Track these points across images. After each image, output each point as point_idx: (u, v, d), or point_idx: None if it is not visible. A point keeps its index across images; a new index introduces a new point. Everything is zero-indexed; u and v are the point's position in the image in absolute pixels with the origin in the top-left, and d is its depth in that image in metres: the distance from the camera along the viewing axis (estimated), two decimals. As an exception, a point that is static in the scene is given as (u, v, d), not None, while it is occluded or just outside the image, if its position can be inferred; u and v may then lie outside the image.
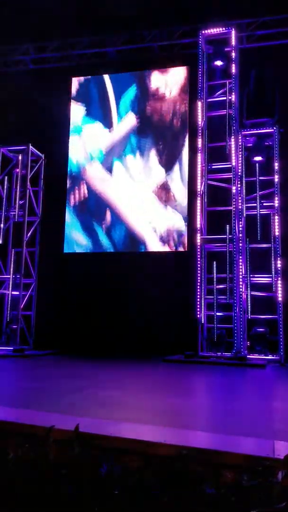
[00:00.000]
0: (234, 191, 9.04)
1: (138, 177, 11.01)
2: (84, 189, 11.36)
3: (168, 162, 10.91)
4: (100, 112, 11.58)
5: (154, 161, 10.92)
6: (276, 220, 9.03)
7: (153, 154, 10.94)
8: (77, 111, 11.81)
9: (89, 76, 11.83)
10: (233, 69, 9.43)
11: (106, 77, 11.60)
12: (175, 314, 9.88)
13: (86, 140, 11.57)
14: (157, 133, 11.10)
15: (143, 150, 11.03)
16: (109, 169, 11.21)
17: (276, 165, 9.20)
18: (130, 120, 11.24)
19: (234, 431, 3.02)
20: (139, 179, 11.00)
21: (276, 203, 9.08)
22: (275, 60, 10.08)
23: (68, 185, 11.53)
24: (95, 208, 11.27)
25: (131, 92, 11.37)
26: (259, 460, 2.14)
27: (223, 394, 5.23)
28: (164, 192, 10.79)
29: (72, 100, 11.85)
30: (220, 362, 8.34)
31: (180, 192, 10.68)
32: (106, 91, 11.56)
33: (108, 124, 11.45)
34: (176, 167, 10.79)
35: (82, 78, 11.89)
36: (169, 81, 11.28)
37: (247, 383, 6.41)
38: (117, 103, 11.42)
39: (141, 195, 10.93)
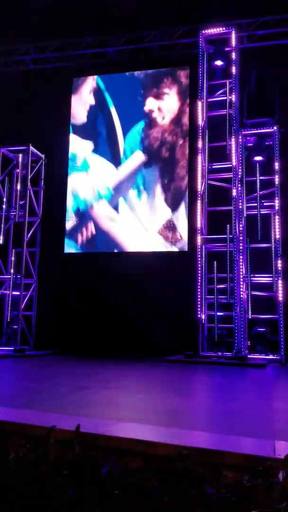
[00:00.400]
0: (234, 191, 9.04)
1: (144, 216, 10.85)
2: (91, 227, 11.22)
3: (173, 200, 10.75)
4: (107, 149, 11.38)
5: (160, 200, 10.78)
6: (277, 220, 9.03)
7: (159, 193, 10.79)
8: (84, 147, 11.57)
9: (95, 104, 11.61)
10: (233, 69, 9.43)
11: (114, 112, 11.37)
12: (175, 314, 9.87)
13: (94, 178, 11.38)
14: (163, 171, 10.92)
15: (149, 189, 10.88)
16: (116, 207, 11.06)
17: (277, 165, 9.20)
18: (138, 158, 11.07)
19: (235, 431, 3.01)
20: (146, 218, 10.85)
21: (277, 203, 9.07)
22: (275, 60, 10.07)
23: (75, 223, 11.33)
24: (102, 246, 11.16)
25: (139, 127, 11.19)
26: (260, 460, 2.14)
27: (223, 394, 5.23)
28: (171, 233, 10.66)
29: (79, 136, 11.65)
30: (220, 362, 8.33)
31: (186, 231, 10.51)
32: (114, 127, 11.34)
33: (115, 161, 11.26)
34: (182, 206, 10.64)
35: (88, 106, 11.65)
36: (166, 110, 11.14)
37: (247, 383, 6.41)
38: (125, 140, 11.24)
39: (148, 235, 10.79)
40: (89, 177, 11.41)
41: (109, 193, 11.17)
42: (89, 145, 11.52)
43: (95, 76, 11.77)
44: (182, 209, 10.66)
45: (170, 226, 10.67)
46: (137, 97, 11.41)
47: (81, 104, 11.80)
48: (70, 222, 11.39)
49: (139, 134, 11.20)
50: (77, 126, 11.75)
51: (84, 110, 11.74)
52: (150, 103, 11.29)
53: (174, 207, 10.74)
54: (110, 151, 11.36)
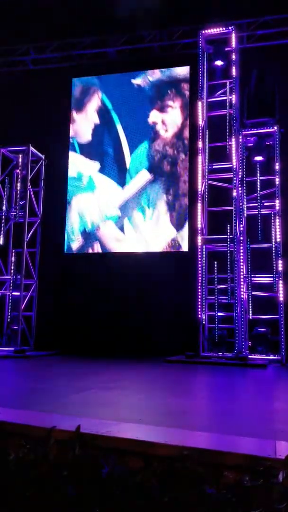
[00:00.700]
0: (234, 191, 9.04)
1: (149, 234, 10.77)
2: (97, 248, 11.12)
3: (178, 219, 10.63)
4: (114, 168, 11.23)
5: (165, 219, 10.67)
6: (277, 221, 9.02)
7: (163, 212, 10.67)
8: (89, 166, 11.44)
9: (101, 122, 11.49)
10: (233, 70, 9.42)
11: (120, 129, 11.28)
12: (176, 314, 9.87)
13: (100, 198, 11.22)
14: (167, 188, 10.81)
15: (153, 207, 10.76)
16: (122, 228, 10.94)
17: (277, 165, 9.19)
18: (144, 177, 10.95)
19: (235, 431, 3.01)
20: (150, 237, 10.77)
21: (277, 203, 9.07)
22: (275, 59, 10.07)
23: (81, 243, 11.23)
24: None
25: (145, 145, 11.07)
26: (260, 460, 2.13)
27: (224, 394, 5.22)
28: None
29: (84, 156, 11.52)
30: (221, 362, 8.33)
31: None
32: (121, 146, 11.20)
33: (122, 181, 11.15)
34: (187, 226, 10.53)
35: (93, 125, 11.52)
36: (169, 124, 11.03)
37: (248, 383, 6.41)
38: (131, 159, 11.13)
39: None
40: (96, 198, 11.27)
41: (115, 213, 11.05)
42: (95, 164, 11.38)
43: (100, 93, 11.64)
44: (187, 228, 10.54)
45: (175, 246, 10.60)
46: (143, 113, 11.25)
47: (86, 123, 11.68)
48: (76, 242, 11.30)
49: (145, 152, 11.08)
50: (82, 144, 11.62)
51: (89, 128, 11.61)
52: (154, 116, 11.20)
53: (179, 226, 10.63)
54: (116, 170, 11.22)
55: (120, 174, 11.22)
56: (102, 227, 11.12)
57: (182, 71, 11.16)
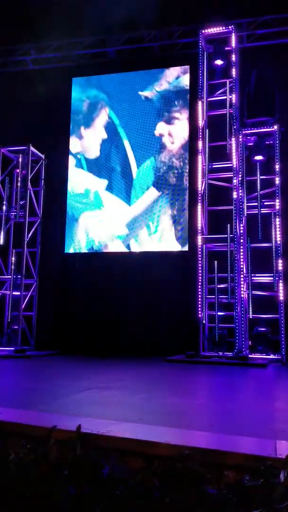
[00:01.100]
0: (234, 190, 9.03)
1: (154, 250, 10.72)
2: None
3: (183, 235, 10.55)
4: (121, 186, 11.15)
5: (170, 234, 10.61)
6: (277, 220, 9.01)
7: (168, 227, 10.62)
8: (98, 184, 11.32)
9: (107, 137, 11.40)
10: (233, 69, 9.41)
11: (127, 145, 11.20)
12: (176, 313, 9.87)
13: (108, 217, 11.13)
14: (172, 202, 10.74)
15: (158, 223, 10.70)
16: (128, 246, 10.87)
17: (277, 165, 9.18)
18: (151, 195, 10.86)
19: (236, 431, 3.01)
20: (155, 250, 10.74)
21: (277, 203, 9.06)
22: (275, 59, 10.07)
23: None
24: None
25: (152, 162, 11.00)
26: (261, 460, 2.13)
27: (224, 394, 5.22)
28: None
29: (93, 174, 11.42)
30: (221, 361, 8.33)
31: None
32: (128, 163, 11.13)
33: (129, 198, 11.04)
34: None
35: (100, 140, 11.45)
36: (175, 136, 10.97)
37: (248, 383, 6.40)
38: (138, 176, 11.06)
39: None
40: (103, 216, 11.19)
41: (123, 232, 10.97)
42: (102, 182, 11.29)
43: (107, 109, 11.56)
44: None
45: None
46: (149, 126, 11.16)
47: (94, 138, 11.58)
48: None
49: (151, 166, 11.00)
50: (89, 160, 11.52)
51: (97, 144, 11.51)
52: (161, 128, 11.11)
53: (183, 241, 10.55)
54: (124, 187, 11.14)
55: (127, 191, 11.13)
56: (110, 245, 11.07)
57: (189, 81, 11.07)
